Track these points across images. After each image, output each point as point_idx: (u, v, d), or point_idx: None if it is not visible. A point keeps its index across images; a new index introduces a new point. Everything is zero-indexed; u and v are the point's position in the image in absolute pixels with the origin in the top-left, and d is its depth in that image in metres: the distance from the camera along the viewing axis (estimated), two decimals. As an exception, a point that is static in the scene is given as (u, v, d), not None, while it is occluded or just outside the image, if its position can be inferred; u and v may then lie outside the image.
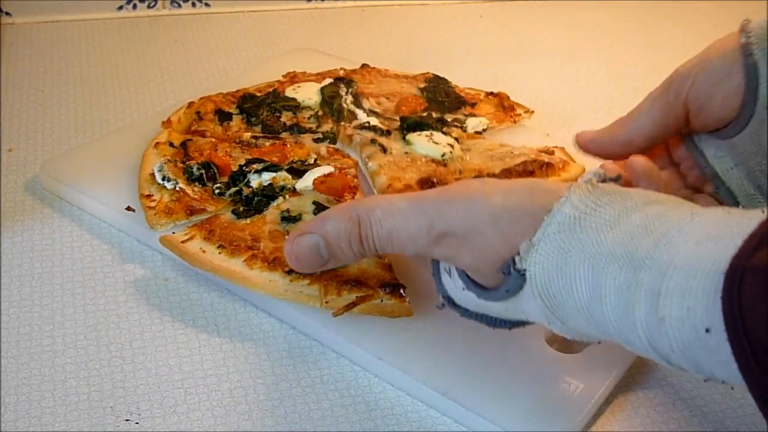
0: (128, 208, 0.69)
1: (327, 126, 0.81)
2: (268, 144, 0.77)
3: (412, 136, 0.65)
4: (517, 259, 0.45)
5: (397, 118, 0.76)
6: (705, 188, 0.63)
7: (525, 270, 0.45)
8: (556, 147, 0.77)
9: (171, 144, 0.76)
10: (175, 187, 0.70)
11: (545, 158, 0.72)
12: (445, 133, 0.70)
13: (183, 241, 0.64)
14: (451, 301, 0.52)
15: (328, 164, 0.74)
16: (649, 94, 0.62)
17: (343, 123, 0.65)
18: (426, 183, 0.64)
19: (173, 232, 0.65)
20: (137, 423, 0.54)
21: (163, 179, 0.70)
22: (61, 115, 0.88)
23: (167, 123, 0.79)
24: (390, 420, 0.55)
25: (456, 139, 0.72)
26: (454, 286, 0.51)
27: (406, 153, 0.64)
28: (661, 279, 0.39)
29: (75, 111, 0.89)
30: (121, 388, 0.56)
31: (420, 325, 0.59)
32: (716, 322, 0.37)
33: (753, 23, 0.57)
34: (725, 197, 0.61)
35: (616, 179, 0.47)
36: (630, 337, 0.42)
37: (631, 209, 0.43)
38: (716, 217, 0.41)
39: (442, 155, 0.65)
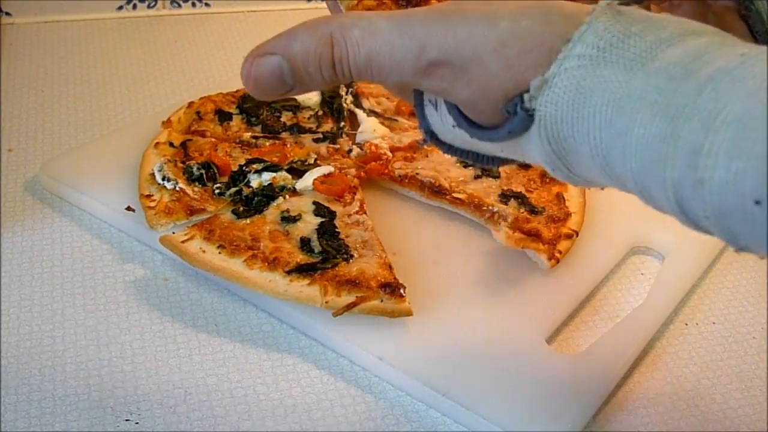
0: (128, 208, 0.69)
1: (327, 126, 0.81)
2: (268, 144, 0.77)
3: None
4: (525, 96, 0.38)
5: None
6: (728, 14, 0.51)
7: (534, 110, 0.38)
8: None
9: (171, 144, 0.76)
10: (175, 187, 0.70)
11: None
12: None
13: (183, 241, 0.64)
14: (434, 137, 0.45)
15: (328, 164, 0.74)
16: None
17: None
18: None
19: (173, 232, 0.65)
20: (137, 423, 0.54)
21: (163, 179, 0.70)
22: (61, 115, 0.88)
23: (167, 123, 0.79)
24: (390, 420, 0.55)
25: None
26: (439, 120, 0.44)
27: None
28: (705, 134, 0.33)
29: (75, 111, 0.88)
30: (121, 388, 0.56)
31: (420, 325, 0.59)
32: None
33: None
34: (755, 24, 0.51)
35: (640, 1, 0.41)
36: (655, 194, 0.36)
37: (666, 42, 0.36)
38: None
39: None
